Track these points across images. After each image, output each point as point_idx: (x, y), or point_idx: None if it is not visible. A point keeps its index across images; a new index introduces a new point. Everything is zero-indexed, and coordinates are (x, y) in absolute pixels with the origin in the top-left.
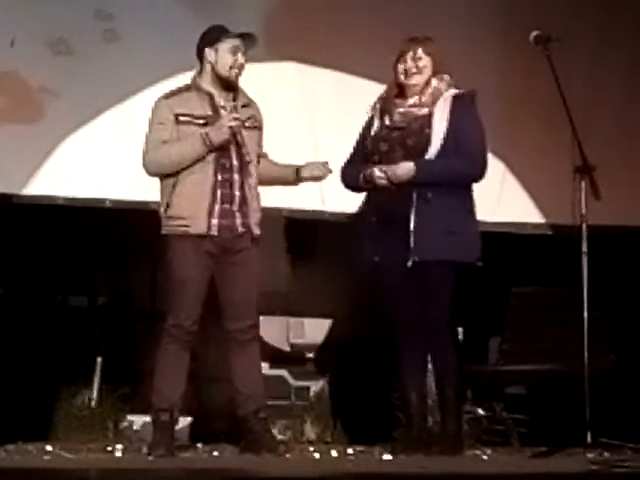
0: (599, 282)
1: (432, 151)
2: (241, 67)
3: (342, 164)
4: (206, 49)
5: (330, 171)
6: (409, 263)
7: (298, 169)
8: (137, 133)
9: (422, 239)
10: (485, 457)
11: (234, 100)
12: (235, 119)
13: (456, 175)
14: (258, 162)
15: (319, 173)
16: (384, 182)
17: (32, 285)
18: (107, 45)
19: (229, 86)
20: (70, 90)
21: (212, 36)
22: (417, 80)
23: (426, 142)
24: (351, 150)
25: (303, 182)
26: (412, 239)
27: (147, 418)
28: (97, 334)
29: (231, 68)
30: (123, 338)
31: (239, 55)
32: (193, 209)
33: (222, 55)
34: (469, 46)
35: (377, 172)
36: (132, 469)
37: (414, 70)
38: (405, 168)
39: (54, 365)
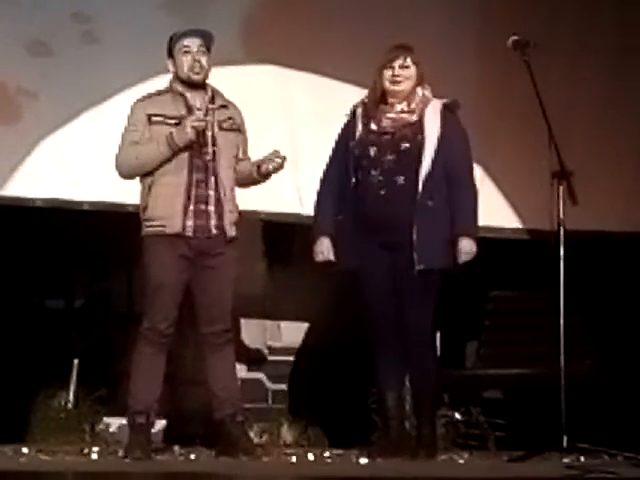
0: (576, 287)
1: (427, 159)
2: (200, 66)
3: (323, 168)
4: (168, 61)
5: (282, 158)
6: (415, 271)
7: (259, 165)
8: (115, 135)
9: (425, 248)
10: (462, 461)
11: (212, 102)
12: (200, 120)
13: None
14: (236, 163)
15: (275, 166)
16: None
17: (9, 287)
18: (85, 47)
19: (198, 86)
20: (48, 92)
21: (169, 46)
22: (403, 87)
23: (419, 148)
24: (330, 155)
25: (266, 177)
26: (415, 247)
27: (123, 420)
28: (74, 336)
29: (189, 69)
30: (100, 340)
31: (194, 53)
32: (168, 210)
33: (177, 60)
34: (447, 50)
35: None
36: (108, 472)
37: (401, 78)
38: (471, 246)
39: (31, 367)
